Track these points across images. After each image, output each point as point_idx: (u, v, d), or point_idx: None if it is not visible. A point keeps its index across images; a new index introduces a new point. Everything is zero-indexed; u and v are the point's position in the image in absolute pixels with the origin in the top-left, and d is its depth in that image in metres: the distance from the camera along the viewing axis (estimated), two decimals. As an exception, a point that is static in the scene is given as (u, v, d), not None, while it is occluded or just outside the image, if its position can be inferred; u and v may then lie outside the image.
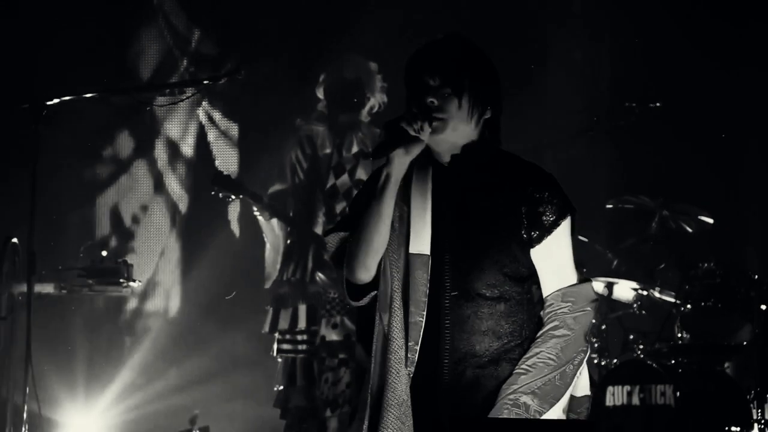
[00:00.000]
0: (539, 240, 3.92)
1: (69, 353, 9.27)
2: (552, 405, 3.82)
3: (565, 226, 3.95)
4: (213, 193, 7.42)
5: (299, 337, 7.19)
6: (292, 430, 7.19)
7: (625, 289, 8.65)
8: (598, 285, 8.67)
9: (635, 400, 7.88)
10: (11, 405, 7.00)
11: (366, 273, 3.96)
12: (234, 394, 9.19)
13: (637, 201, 8.58)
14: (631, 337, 8.47)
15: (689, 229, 8.53)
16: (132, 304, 9.83)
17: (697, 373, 7.94)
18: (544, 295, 3.96)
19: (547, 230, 3.92)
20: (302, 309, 7.19)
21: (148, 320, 9.89)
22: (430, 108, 3.91)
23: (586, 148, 9.25)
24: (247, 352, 8.81)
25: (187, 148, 10.01)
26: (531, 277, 3.95)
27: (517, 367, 3.87)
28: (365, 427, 3.88)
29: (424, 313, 3.89)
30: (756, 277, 7.99)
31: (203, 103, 9.99)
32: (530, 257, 3.94)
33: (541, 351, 3.87)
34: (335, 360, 7.07)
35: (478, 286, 3.90)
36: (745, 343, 8.07)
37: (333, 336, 7.05)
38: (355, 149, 7.23)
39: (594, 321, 4.03)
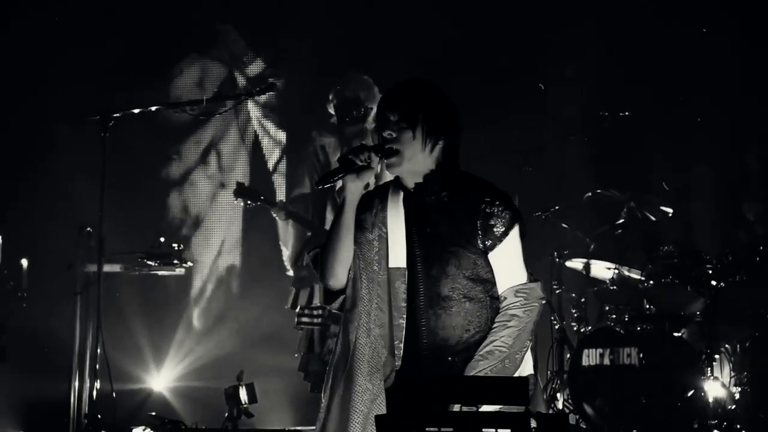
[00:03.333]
0: (492, 248, 4.09)
1: (134, 322, 9.56)
2: None
3: (514, 234, 4.12)
4: (236, 201, 7.85)
5: (315, 312, 7.40)
6: (314, 389, 7.39)
7: (600, 268, 8.89)
8: (578, 264, 8.99)
9: (606, 361, 8.08)
10: (84, 365, 7.37)
11: (335, 280, 4.23)
12: (274, 357, 9.31)
13: (609, 194, 8.75)
14: (606, 308, 8.70)
15: (653, 218, 8.71)
16: (193, 282, 10.07)
17: (657, 338, 8.09)
18: (500, 291, 4.11)
19: (499, 239, 4.09)
20: (317, 288, 7.37)
21: (208, 296, 10.13)
22: (387, 140, 4.13)
23: (568, 149, 9.48)
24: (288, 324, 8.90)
25: (244, 153, 10.27)
26: (490, 280, 4.11)
27: (476, 353, 4.03)
28: (333, 412, 4.08)
29: (405, 316, 4.09)
30: (707, 257, 8.15)
31: (257, 114, 10.25)
32: (488, 262, 4.10)
33: (495, 340, 4.03)
34: (338, 327, 7.22)
35: (446, 290, 4.08)
36: (698, 313, 8.22)
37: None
38: None
39: (539, 316, 4.15)
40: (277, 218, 7.74)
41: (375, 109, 7.25)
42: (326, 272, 4.22)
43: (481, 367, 3.99)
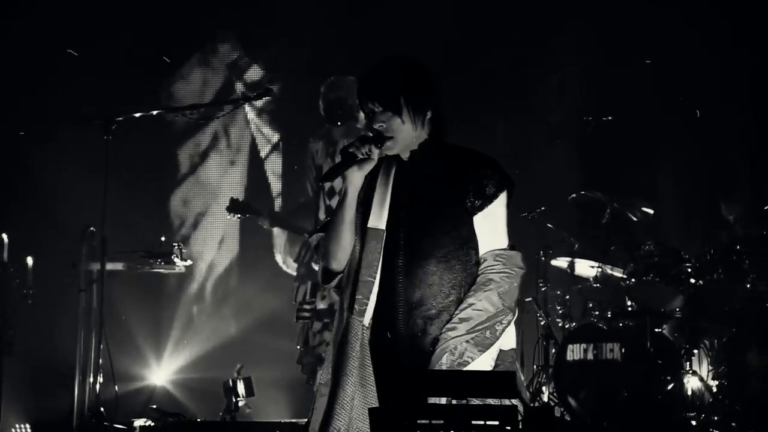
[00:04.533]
0: (481, 208, 4.06)
1: (136, 318, 9.62)
2: (482, 352, 3.95)
3: (503, 197, 4.09)
4: (229, 217, 8.05)
5: (310, 307, 7.50)
6: (309, 381, 7.50)
7: (584, 267, 8.96)
8: (563, 262, 9.09)
9: (590, 356, 8.15)
10: (88, 360, 7.36)
11: (336, 264, 4.20)
12: (272, 348, 9.44)
13: (593, 195, 8.84)
14: (590, 305, 8.80)
15: (634, 218, 8.80)
16: (193, 278, 10.13)
17: (639, 334, 8.15)
18: (481, 253, 4.08)
19: (488, 199, 4.06)
20: (309, 284, 7.55)
21: (208, 291, 10.19)
22: (381, 131, 4.13)
23: (554, 152, 9.53)
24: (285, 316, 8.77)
25: (241, 155, 10.32)
26: (469, 242, 4.07)
27: (454, 315, 4.00)
28: (329, 376, 4.10)
29: (377, 274, 4.07)
30: (687, 256, 8.25)
31: (254, 118, 10.30)
32: (471, 225, 4.07)
33: (474, 303, 3.99)
34: (320, 324, 7.39)
35: (426, 248, 4.06)
36: (677, 309, 8.33)
37: (321, 305, 7.39)
38: None
39: (521, 284, 4.09)
40: (264, 227, 7.88)
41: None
42: (327, 255, 4.23)
43: (460, 330, 3.97)
